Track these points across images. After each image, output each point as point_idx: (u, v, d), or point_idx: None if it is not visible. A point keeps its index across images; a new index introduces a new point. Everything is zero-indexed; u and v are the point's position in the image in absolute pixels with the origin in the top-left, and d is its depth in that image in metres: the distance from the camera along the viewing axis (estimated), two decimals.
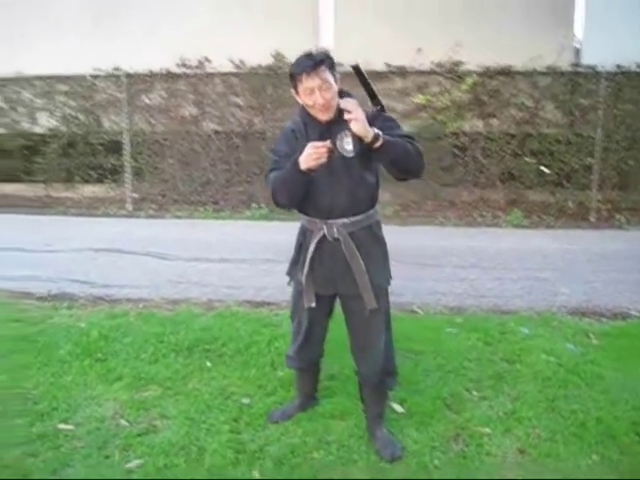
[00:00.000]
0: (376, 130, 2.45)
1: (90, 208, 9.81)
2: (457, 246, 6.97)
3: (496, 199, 9.22)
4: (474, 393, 3.38)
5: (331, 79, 2.58)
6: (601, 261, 6.23)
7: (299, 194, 2.65)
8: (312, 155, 2.46)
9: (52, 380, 3.55)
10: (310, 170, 2.50)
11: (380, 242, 2.83)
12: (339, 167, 2.62)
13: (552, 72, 8.64)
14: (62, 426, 3.07)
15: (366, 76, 2.55)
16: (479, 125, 9.01)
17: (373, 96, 2.61)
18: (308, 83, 2.54)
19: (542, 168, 8.76)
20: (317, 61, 2.54)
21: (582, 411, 3.15)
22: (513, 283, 5.47)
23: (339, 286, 2.79)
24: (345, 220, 2.68)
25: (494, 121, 8.98)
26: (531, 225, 8.44)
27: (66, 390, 3.43)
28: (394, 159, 2.57)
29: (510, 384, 3.47)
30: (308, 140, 2.59)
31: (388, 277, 2.85)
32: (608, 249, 6.88)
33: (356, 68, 2.52)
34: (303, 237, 2.83)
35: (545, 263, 6.17)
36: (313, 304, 2.81)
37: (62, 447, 2.89)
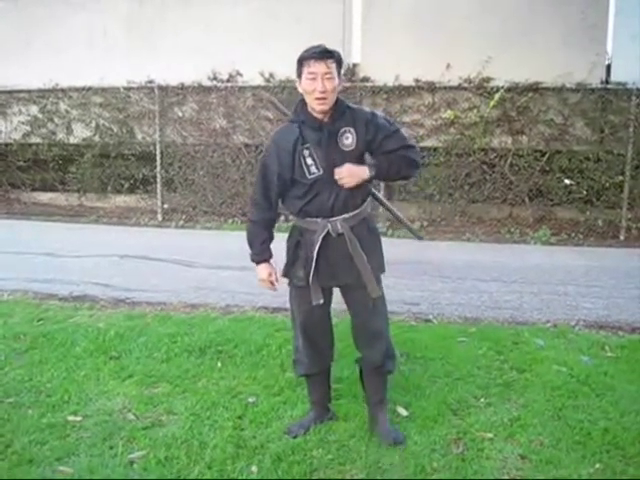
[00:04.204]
0: (367, 170, 2.74)
1: (122, 218, 10.04)
2: (481, 261, 6.91)
3: (524, 216, 9.16)
4: (480, 400, 3.35)
5: (335, 73, 2.68)
6: (626, 278, 6.11)
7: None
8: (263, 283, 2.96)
9: (65, 375, 3.63)
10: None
11: (375, 233, 2.96)
12: (339, 163, 2.72)
13: (582, 89, 8.54)
14: (71, 418, 3.14)
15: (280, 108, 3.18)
16: (508, 141, 8.95)
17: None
18: (313, 68, 2.64)
19: (566, 181, 8.67)
20: (326, 51, 2.66)
21: (589, 421, 3.10)
22: (533, 296, 5.41)
23: (341, 278, 2.85)
24: (346, 215, 2.77)
25: (523, 137, 8.91)
26: (559, 242, 8.33)
27: (78, 384, 3.51)
28: (387, 177, 3.02)
29: (518, 392, 3.43)
30: (304, 143, 2.73)
31: (383, 265, 2.94)
32: (634, 267, 6.76)
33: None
34: (300, 236, 2.86)
35: (568, 278, 6.08)
36: (321, 301, 2.84)
37: (69, 437, 2.96)
